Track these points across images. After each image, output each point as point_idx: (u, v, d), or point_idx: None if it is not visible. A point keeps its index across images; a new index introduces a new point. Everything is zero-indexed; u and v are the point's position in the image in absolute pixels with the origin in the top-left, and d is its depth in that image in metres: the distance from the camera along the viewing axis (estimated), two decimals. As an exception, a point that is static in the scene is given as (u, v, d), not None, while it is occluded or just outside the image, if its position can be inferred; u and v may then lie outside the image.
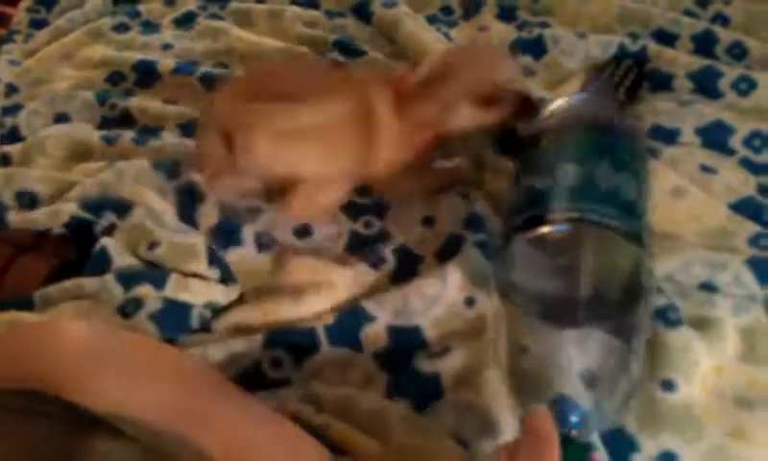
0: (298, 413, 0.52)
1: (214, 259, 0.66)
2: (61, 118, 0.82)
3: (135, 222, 0.67)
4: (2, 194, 0.72)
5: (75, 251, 0.68)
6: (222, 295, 0.64)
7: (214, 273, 0.65)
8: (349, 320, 0.61)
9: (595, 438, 0.54)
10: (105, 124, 0.81)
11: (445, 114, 0.66)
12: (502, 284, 0.58)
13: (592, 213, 0.55)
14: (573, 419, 0.50)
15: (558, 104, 0.67)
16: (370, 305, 0.61)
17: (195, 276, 0.64)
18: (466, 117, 0.66)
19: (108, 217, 0.68)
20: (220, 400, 0.48)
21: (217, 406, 0.47)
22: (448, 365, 0.58)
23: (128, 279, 0.62)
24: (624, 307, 0.54)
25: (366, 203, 0.72)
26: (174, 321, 0.61)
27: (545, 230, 0.56)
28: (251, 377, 0.58)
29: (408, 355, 0.60)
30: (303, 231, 0.69)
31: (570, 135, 0.63)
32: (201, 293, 0.63)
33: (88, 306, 0.61)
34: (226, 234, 0.68)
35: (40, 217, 0.69)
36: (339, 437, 0.51)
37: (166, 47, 0.90)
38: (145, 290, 0.62)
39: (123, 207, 0.68)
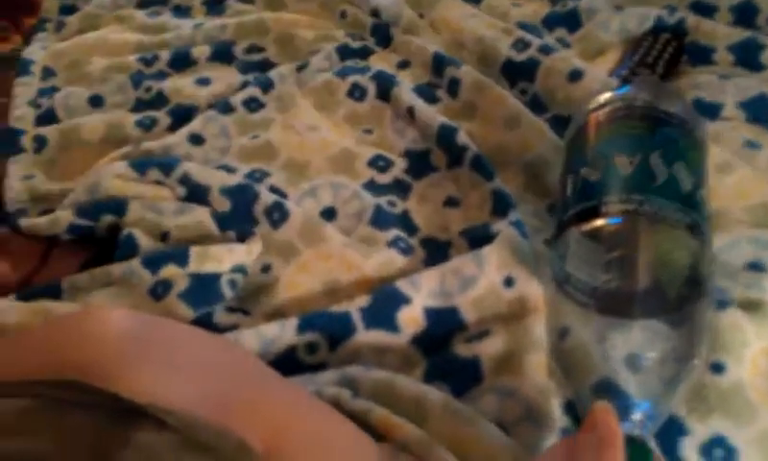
0: (336, 398, 0.49)
1: (225, 224, 0.63)
2: (96, 100, 0.80)
3: (135, 218, 0.64)
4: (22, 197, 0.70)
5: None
6: (245, 254, 0.61)
7: (230, 236, 0.63)
8: (385, 302, 0.57)
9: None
10: (139, 107, 0.79)
11: None
12: (557, 277, 0.54)
13: (647, 205, 0.52)
14: (636, 417, 0.47)
15: (606, 93, 0.63)
16: (405, 286, 0.58)
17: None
18: None
19: (106, 219, 0.65)
20: (264, 388, 0.45)
21: (262, 394, 0.44)
22: (488, 349, 0.55)
23: (153, 261, 0.60)
24: (683, 302, 0.50)
25: (386, 182, 0.69)
26: (204, 295, 0.59)
27: (599, 222, 0.52)
28: (286, 363, 0.55)
29: (446, 338, 0.56)
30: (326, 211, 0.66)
31: (621, 126, 0.58)
32: (224, 258, 0.60)
33: (118, 292, 0.59)
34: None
35: (43, 224, 0.65)
36: (379, 423, 0.48)
37: (197, 26, 0.87)
38: (171, 270, 0.59)
39: (118, 207, 0.65)
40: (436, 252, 0.63)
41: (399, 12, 0.86)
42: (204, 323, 0.58)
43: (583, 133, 0.60)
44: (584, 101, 0.62)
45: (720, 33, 0.76)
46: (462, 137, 0.69)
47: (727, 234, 0.60)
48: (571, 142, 0.61)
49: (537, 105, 0.74)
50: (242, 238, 0.63)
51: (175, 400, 0.39)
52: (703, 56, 0.75)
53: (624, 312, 0.49)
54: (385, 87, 0.76)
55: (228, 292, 0.60)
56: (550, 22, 0.83)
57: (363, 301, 0.57)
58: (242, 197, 0.65)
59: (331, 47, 0.82)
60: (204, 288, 0.59)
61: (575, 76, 0.73)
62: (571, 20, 0.82)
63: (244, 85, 0.79)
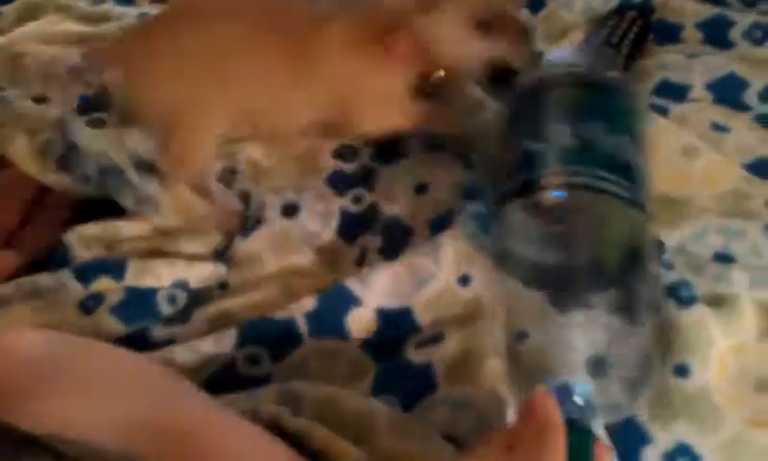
0: (275, 418, 0.45)
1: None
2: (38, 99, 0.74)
3: None
4: None
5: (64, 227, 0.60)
6: (187, 268, 0.57)
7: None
8: (333, 304, 0.53)
9: (604, 431, 0.47)
10: (83, 102, 0.74)
11: (439, 43, 0.56)
12: (496, 253, 0.52)
13: (589, 177, 0.49)
14: (576, 401, 0.44)
15: (552, 58, 0.60)
16: (355, 286, 0.54)
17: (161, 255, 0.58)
18: (463, 46, 0.56)
19: None
20: (187, 412, 0.41)
21: (184, 419, 0.40)
22: (441, 354, 0.51)
23: (85, 272, 0.56)
24: (626, 277, 0.48)
25: (353, 170, 0.64)
26: (138, 310, 0.55)
27: (540, 196, 0.50)
28: (225, 378, 0.51)
29: (399, 342, 0.53)
30: (291, 209, 0.62)
31: (565, 93, 0.55)
32: (163, 274, 0.56)
33: (44, 306, 0.54)
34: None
35: None
36: (320, 444, 0.44)
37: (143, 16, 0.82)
38: (105, 283, 0.55)
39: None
40: (395, 237, 0.59)
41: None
42: (138, 337, 0.54)
43: (522, 103, 0.57)
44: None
45: (688, 9, 0.72)
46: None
47: (694, 223, 0.57)
48: (511, 113, 0.58)
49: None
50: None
51: (85, 428, 0.36)
52: (670, 34, 0.71)
53: (566, 289, 0.47)
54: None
55: (165, 308, 0.56)
56: (513, 0, 0.79)
57: (309, 303, 0.53)
58: None
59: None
60: (139, 303, 0.55)
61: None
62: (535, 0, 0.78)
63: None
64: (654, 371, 0.49)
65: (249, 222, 0.61)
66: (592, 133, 0.51)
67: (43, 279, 0.56)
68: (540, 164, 0.51)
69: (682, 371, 0.49)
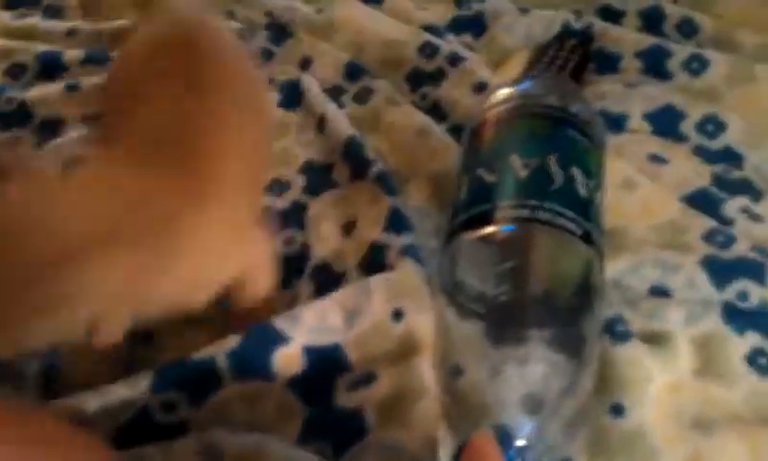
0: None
1: None
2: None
3: None
4: None
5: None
6: None
7: None
8: (258, 342, 0.50)
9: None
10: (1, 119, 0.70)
11: None
12: (446, 286, 0.50)
13: (542, 211, 0.48)
14: (517, 444, 0.42)
15: (505, 89, 0.58)
16: (282, 324, 0.51)
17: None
18: None
19: None
20: None
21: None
22: (373, 396, 0.48)
23: None
24: (574, 314, 0.47)
25: (285, 208, 0.62)
26: None
27: (491, 229, 0.48)
28: (139, 427, 0.47)
29: (329, 382, 0.50)
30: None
31: (519, 125, 0.54)
32: None
33: None
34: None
35: None
36: None
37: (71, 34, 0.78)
38: None
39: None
40: (328, 283, 0.57)
41: (295, 11, 0.79)
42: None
43: (480, 131, 0.55)
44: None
45: (627, 39, 0.71)
46: (370, 151, 0.63)
47: (630, 257, 0.55)
48: (468, 141, 0.57)
49: (436, 112, 0.69)
50: None
51: None
52: (609, 63, 0.71)
53: (515, 323, 0.45)
54: (294, 94, 0.70)
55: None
56: (455, 26, 0.78)
57: (231, 342, 0.50)
58: None
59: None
60: None
61: (481, 88, 0.69)
62: (476, 24, 0.77)
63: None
64: (590, 410, 0.47)
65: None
66: (550, 166, 0.50)
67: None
68: (492, 197, 0.50)
69: (617, 410, 0.48)
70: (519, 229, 0.48)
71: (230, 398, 0.48)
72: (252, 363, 0.49)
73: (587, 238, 0.48)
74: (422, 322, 0.51)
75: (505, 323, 0.45)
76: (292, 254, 0.59)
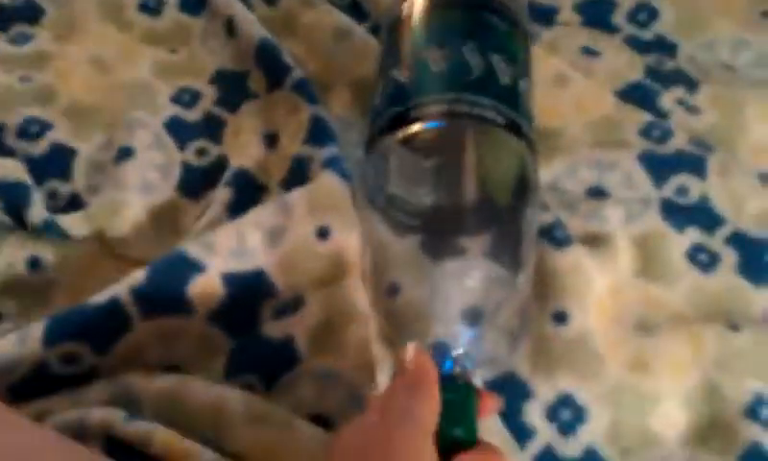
0: (107, 423, 0.37)
1: None
2: None
3: None
4: None
5: None
6: None
7: None
8: (168, 275, 0.45)
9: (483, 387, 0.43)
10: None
11: None
12: (372, 199, 0.45)
13: (462, 104, 0.43)
14: (454, 356, 0.39)
15: None
16: (195, 250, 0.46)
17: None
18: None
19: None
20: None
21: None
22: (303, 323, 0.44)
23: None
24: (509, 214, 0.43)
25: (195, 120, 0.55)
26: None
27: (414, 128, 0.44)
28: (37, 381, 0.41)
29: (254, 311, 0.46)
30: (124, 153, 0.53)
31: (434, 16, 0.49)
32: None
33: None
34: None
35: None
36: (161, 448, 0.37)
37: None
38: None
39: None
40: (245, 192, 0.52)
41: None
42: None
43: (395, 27, 0.50)
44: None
45: None
46: (286, 57, 0.58)
47: (566, 156, 0.52)
48: (385, 39, 0.51)
49: (356, 11, 0.63)
50: None
51: None
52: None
53: (446, 230, 0.42)
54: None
55: None
56: None
57: (137, 278, 0.44)
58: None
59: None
60: None
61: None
62: None
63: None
64: (531, 319, 0.45)
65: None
66: (467, 54, 0.45)
67: None
68: (412, 94, 0.45)
69: (560, 318, 0.46)
70: (441, 124, 0.44)
71: (142, 339, 0.43)
72: (163, 298, 0.44)
73: (513, 128, 0.44)
74: (350, 239, 0.47)
75: (439, 232, 0.42)
76: (205, 166, 0.54)
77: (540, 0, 0.61)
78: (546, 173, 0.51)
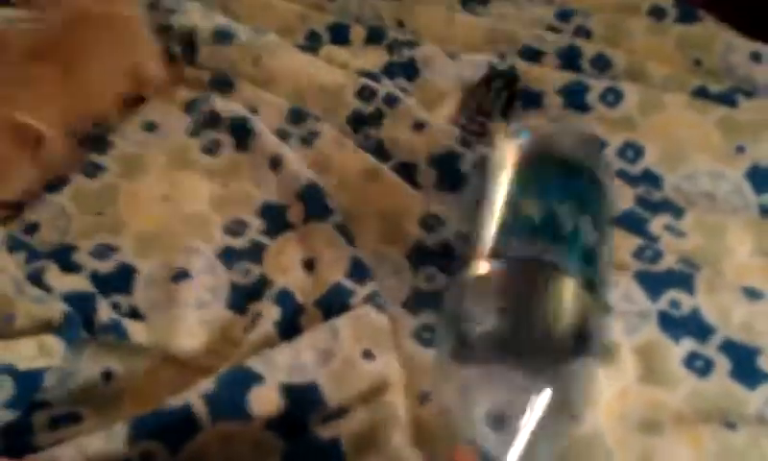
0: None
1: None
2: None
3: None
4: None
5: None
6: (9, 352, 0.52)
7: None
8: (232, 384, 0.50)
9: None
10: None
11: None
12: (450, 318, 0.50)
13: (549, 254, 0.49)
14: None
15: (517, 134, 0.60)
16: (255, 364, 0.52)
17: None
18: None
19: None
20: None
21: None
22: (348, 428, 0.49)
23: None
24: (569, 355, 0.47)
25: (242, 247, 0.62)
26: None
27: (497, 267, 0.49)
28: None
29: (305, 418, 0.51)
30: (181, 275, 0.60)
31: (531, 167, 0.55)
32: None
33: None
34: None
35: None
36: None
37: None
38: None
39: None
40: (288, 308, 0.58)
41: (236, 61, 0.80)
42: (22, 440, 0.49)
43: (491, 174, 0.56)
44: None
45: (549, 76, 0.75)
46: (328, 198, 0.65)
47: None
48: (477, 183, 0.58)
49: (380, 152, 0.71)
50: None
51: None
52: (534, 100, 0.74)
53: (513, 360, 0.46)
54: (243, 135, 0.71)
55: None
56: (389, 71, 0.80)
57: (207, 385, 0.50)
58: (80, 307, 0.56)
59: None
60: None
61: (419, 126, 0.71)
62: (409, 69, 0.79)
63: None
64: (554, 422, 0.49)
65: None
66: (560, 212, 0.51)
67: None
68: (503, 237, 0.51)
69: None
70: (525, 268, 0.49)
71: (208, 441, 0.48)
72: (227, 405, 0.50)
73: (588, 285, 0.49)
74: (392, 361, 0.53)
75: (500, 355, 0.46)
76: (249, 284, 0.60)
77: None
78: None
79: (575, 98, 0.73)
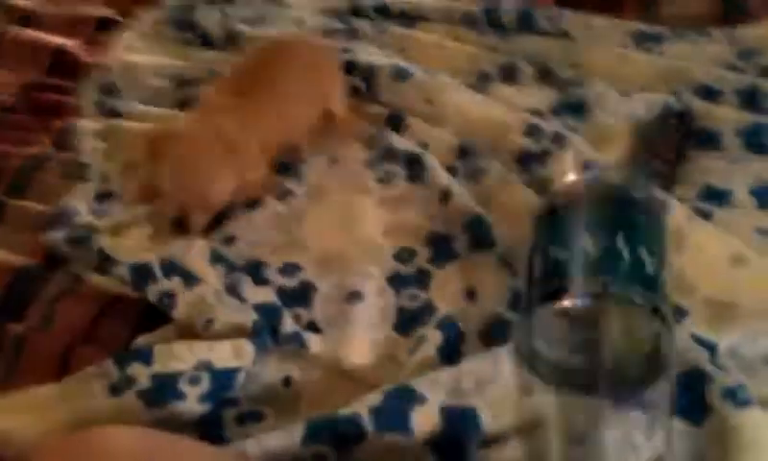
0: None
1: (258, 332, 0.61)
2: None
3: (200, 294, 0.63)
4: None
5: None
6: (207, 350, 0.59)
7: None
8: (398, 402, 0.54)
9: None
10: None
11: None
12: (523, 353, 0.51)
13: (613, 287, 0.49)
14: None
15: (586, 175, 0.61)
16: (419, 384, 0.55)
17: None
18: None
19: (175, 281, 0.65)
20: None
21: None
22: (502, 457, 0.51)
23: (122, 357, 0.58)
24: (645, 383, 0.48)
25: (409, 273, 0.66)
26: (161, 393, 0.56)
27: (568, 302, 0.50)
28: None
29: (463, 441, 0.53)
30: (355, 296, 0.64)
31: (591, 206, 0.56)
32: (185, 356, 0.58)
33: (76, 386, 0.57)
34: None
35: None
36: None
37: None
38: (137, 368, 0.57)
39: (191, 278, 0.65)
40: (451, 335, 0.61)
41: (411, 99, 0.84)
42: (213, 432, 0.56)
43: (552, 211, 0.57)
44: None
45: (727, 117, 0.73)
46: (494, 233, 0.67)
47: (744, 328, 0.56)
48: (540, 220, 0.57)
49: (545, 191, 0.71)
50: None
51: None
52: (710, 140, 0.72)
53: (587, 391, 0.47)
54: (417, 169, 0.75)
55: (187, 390, 0.57)
56: (558, 110, 0.81)
57: (375, 399, 0.54)
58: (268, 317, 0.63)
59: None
60: (161, 387, 0.56)
61: (585, 166, 0.72)
62: (579, 107, 0.79)
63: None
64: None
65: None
66: (618, 245, 0.51)
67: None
68: (568, 272, 0.51)
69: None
70: (593, 302, 0.49)
71: (373, 451, 0.52)
72: (392, 419, 0.53)
73: (655, 311, 0.49)
74: (548, 399, 0.54)
75: (581, 389, 0.48)
76: (414, 309, 0.64)
77: (716, 184, 0.67)
78: (726, 340, 0.55)
79: (756, 140, 0.71)
